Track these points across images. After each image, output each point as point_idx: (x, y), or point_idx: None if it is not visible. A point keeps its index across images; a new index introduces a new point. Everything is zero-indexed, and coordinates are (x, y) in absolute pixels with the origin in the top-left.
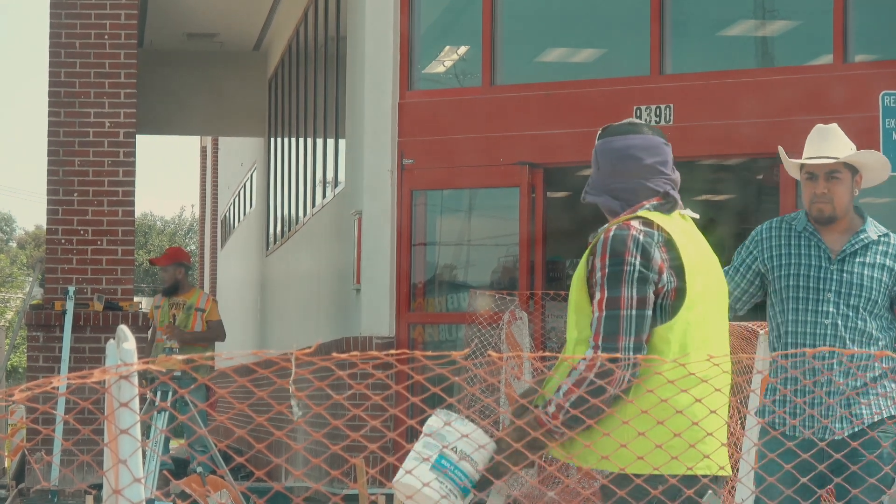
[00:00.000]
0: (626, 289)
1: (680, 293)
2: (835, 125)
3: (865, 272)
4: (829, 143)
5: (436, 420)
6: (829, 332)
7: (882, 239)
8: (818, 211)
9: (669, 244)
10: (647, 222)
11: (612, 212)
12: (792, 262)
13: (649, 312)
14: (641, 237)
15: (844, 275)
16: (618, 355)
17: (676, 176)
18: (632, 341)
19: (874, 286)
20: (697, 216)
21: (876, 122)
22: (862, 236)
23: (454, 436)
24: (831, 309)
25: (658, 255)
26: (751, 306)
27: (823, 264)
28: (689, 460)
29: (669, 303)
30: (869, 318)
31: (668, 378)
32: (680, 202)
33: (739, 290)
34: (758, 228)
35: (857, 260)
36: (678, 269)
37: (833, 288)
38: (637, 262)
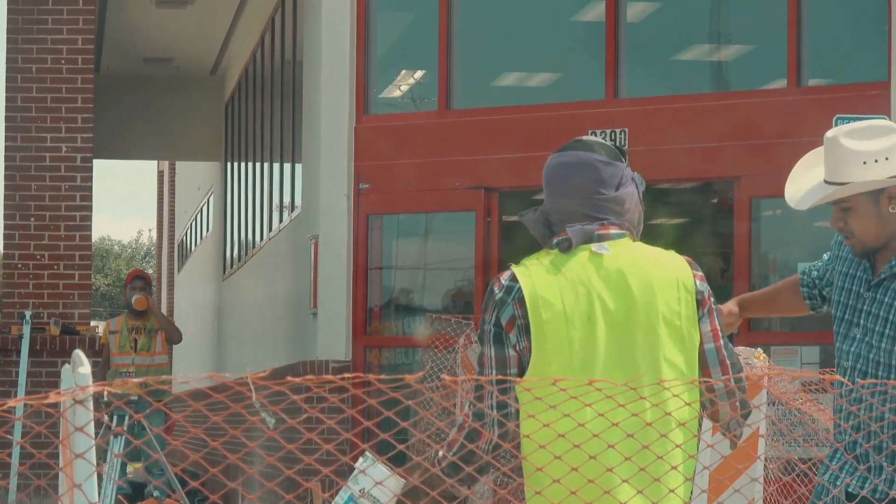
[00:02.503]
0: (488, 348)
1: (530, 351)
2: (842, 131)
3: (895, 302)
4: (832, 167)
5: (360, 463)
6: (850, 377)
7: None
8: (849, 246)
9: (522, 301)
10: (513, 276)
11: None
12: (838, 286)
13: (513, 371)
14: (500, 295)
15: (873, 304)
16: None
17: (619, 194)
18: (496, 402)
19: None
20: (609, 252)
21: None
22: None
23: (367, 482)
24: (855, 349)
25: (508, 313)
26: (816, 307)
27: (861, 290)
28: None
29: (527, 359)
30: None
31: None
32: (594, 233)
33: (815, 281)
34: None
35: (893, 286)
36: (526, 329)
37: (861, 322)
38: (493, 321)
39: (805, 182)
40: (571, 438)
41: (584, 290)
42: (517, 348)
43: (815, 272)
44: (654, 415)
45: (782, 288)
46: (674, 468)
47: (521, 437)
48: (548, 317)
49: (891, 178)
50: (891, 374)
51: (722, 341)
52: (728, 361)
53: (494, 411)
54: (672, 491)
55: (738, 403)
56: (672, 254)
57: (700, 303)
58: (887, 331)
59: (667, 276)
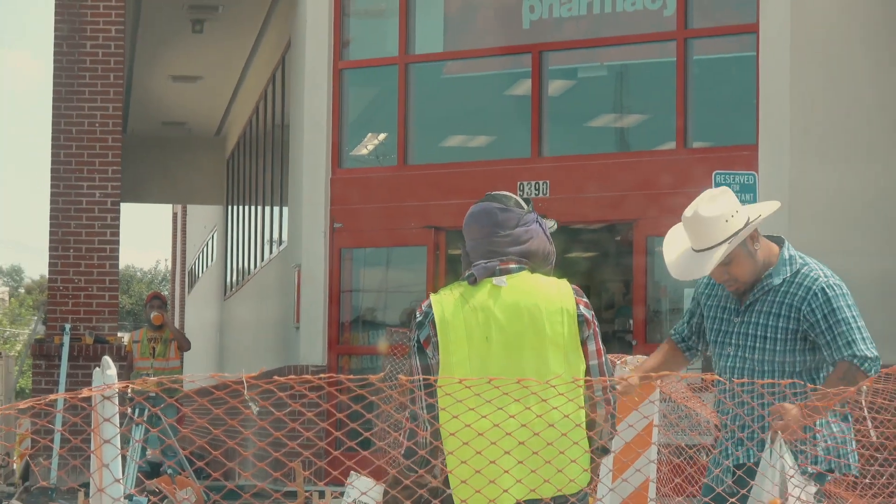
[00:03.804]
0: (414, 359)
1: (440, 363)
2: (700, 205)
3: (760, 321)
4: (703, 236)
5: (357, 480)
6: (727, 388)
7: (788, 280)
8: (732, 292)
9: (433, 322)
10: (430, 303)
11: None
12: (710, 317)
13: (435, 375)
14: (420, 318)
15: (743, 325)
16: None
17: (514, 232)
18: (424, 405)
19: (772, 335)
20: (505, 284)
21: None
22: (766, 283)
23: (356, 492)
24: (730, 363)
25: (425, 333)
26: (694, 355)
27: (729, 315)
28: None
29: (439, 370)
30: (775, 371)
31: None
32: (495, 268)
33: (686, 334)
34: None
35: (757, 308)
36: (437, 345)
37: (733, 341)
38: (415, 338)
39: (680, 258)
40: (475, 431)
41: (483, 316)
42: (433, 360)
43: (685, 330)
44: (542, 411)
45: (670, 358)
46: (561, 452)
47: (441, 429)
48: (452, 336)
49: (749, 223)
50: (763, 378)
51: (604, 358)
52: (607, 374)
53: (425, 412)
54: (560, 470)
55: (608, 413)
56: (562, 284)
57: (584, 324)
58: (757, 344)
59: (553, 304)
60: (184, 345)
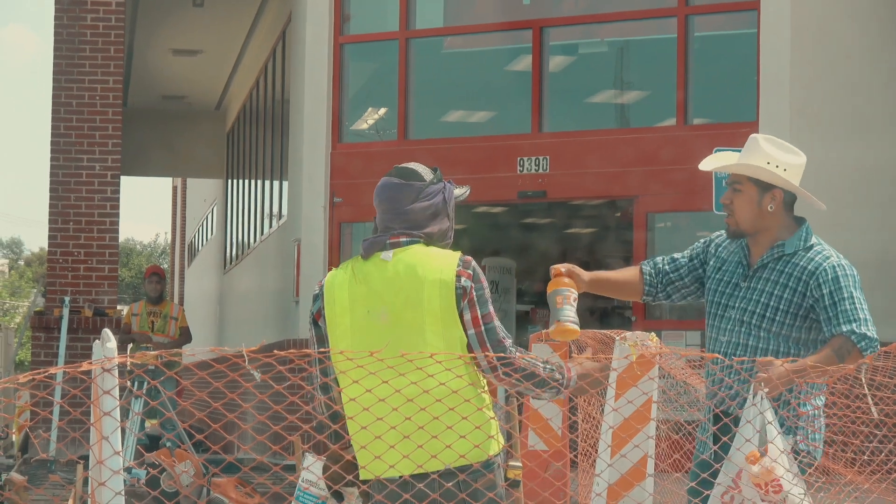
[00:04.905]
0: (310, 330)
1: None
2: (764, 137)
3: (766, 288)
4: (743, 154)
5: (308, 460)
6: (726, 350)
7: (799, 253)
8: (726, 223)
9: (323, 297)
10: (328, 277)
11: None
12: (714, 279)
13: (328, 344)
14: (317, 291)
15: (748, 291)
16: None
17: (411, 207)
18: (318, 371)
19: (773, 304)
20: (390, 258)
21: (711, 174)
22: (776, 250)
23: (310, 472)
24: (731, 326)
25: (318, 305)
26: (652, 294)
27: (736, 280)
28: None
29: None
30: (770, 338)
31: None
32: (384, 242)
33: (671, 275)
34: (715, 234)
35: (763, 276)
36: (325, 317)
37: (737, 304)
38: (312, 310)
39: (714, 160)
40: (366, 401)
41: (365, 289)
42: (325, 332)
43: (668, 266)
44: (425, 385)
45: (629, 279)
46: (447, 428)
47: (344, 398)
48: (338, 309)
49: (776, 177)
50: (759, 342)
51: (483, 327)
52: (488, 343)
53: (317, 379)
54: (449, 446)
55: (518, 377)
56: (448, 256)
57: (462, 296)
58: (758, 309)
59: (432, 276)
60: (187, 341)
